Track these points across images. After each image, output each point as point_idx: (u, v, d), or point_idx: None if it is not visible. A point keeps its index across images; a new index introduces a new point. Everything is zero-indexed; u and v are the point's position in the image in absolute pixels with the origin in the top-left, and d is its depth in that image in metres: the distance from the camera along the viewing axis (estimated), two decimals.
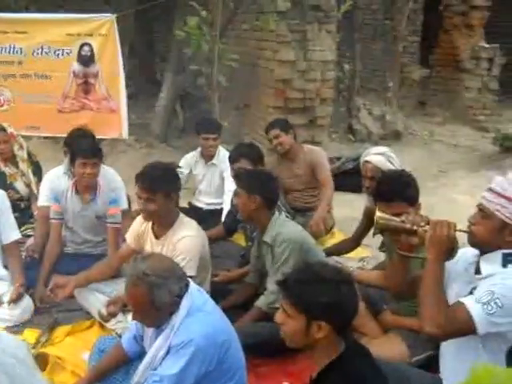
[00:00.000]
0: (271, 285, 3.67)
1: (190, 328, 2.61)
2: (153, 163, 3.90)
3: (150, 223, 3.82)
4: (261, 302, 3.73)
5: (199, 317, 2.66)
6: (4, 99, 7.88)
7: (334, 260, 4.59)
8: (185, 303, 2.65)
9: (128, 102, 7.76)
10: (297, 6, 8.11)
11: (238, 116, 9.39)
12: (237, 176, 4.14)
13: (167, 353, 2.64)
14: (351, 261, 5.04)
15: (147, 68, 11.20)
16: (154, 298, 2.59)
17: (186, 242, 3.62)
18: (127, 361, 2.99)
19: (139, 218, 3.93)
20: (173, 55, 9.12)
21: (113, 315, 3.75)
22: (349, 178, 6.98)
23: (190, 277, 3.23)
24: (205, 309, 2.71)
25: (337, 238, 5.48)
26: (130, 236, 3.96)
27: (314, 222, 4.77)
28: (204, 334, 2.59)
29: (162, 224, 3.75)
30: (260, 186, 3.79)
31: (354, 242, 4.69)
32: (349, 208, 6.20)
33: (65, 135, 5.24)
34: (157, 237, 3.78)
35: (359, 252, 5.10)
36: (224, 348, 2.66)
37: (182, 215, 3.81)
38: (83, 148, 4.37)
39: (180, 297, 2.64)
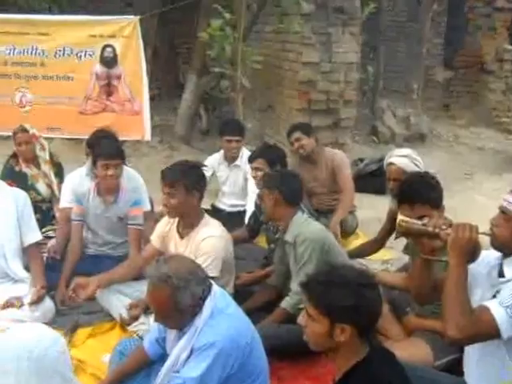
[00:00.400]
0: (295, 285, 3.63)
1: (213, 330, 2.59)
2: (179, 161, 3.93)
3: (176, 223, 3.82)
4: (286, 303, 3.71)
5: (222, 319, 2.63)
6: (26, 100, 7.92)
7: (357, 262, 4.55)
8: (208, 305, 2.63)
9: (151, 103, 7.77)
10: (321, 9, 8.09)
11: (261, 118, 9.38)
12: (263, 176, 4.19)
13: (189, 355, 2.61)
14: (375, 263, 5.02)
15: (170, 70, 11.20)
16: (177, 301, 2.57)
17: (209, 242, 3.62)
18: (149, 363, 2.96)
19: (165, 219, 3.94)
20: (196, 57, 9.12)
21: (134, 318, 3.73)
22: (372, 180, 6.99)
23: (213, 278, 3.23)
24: (228, 311, 2.69)
25: (360, 239, 5.47)
26: (154, 236, 3.97)
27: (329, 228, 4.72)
28: (227, 337, 2.57)
29: (186, 223, 3.75)
30: (279, 182, 3.81)
31: (378, 244, 4.67)
32: (372, 210, 6.19)
33: (86, 137, 5.24)
34: (181, 236, 3.78)
35: (383, 254, 5.07)
36: (247, 350, 2.63)
37: (207, 216, 3.81)
38: (105, 149, 4.35)
39: (203, 299, 2.62)
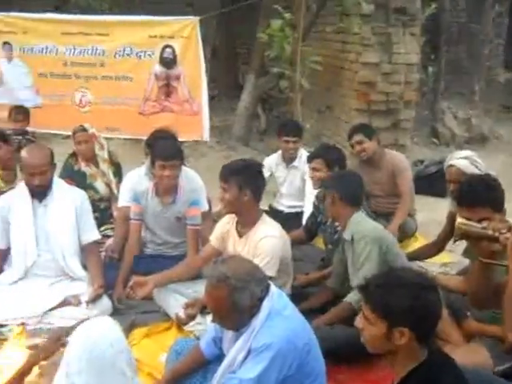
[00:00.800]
0: (355, 282, 3.62)
1: (271, 331, 2.56)
2: (237, 159, 3.92)
3: (235, 223, 3.82)
4: (351, 298, 3.66)
5: (279, 320, 2.60)
6: (85, 100, 8.04)
7: (416, 264, 4.50)
8: (265, 306, 2.60)
9: (210, 104, 7.78)
10: (381, 9, 8.02)
11: (319, 119, 9.33)
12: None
13: (246, 356, 2.60)
14: (434, 266, 4.95)
15: (229, 70, 11.25)
16: (235, 301, 2.56)
17: (267, 242, 3.61)
18: (205, 363, 2.96)
19: (224, 219, 3.96)
20: (255, 58, 9.13)
21: (191, 318, 3.71)
22: (432, 182, 6.87)
23: (270, 278, 3.22)
24: (285, 312, 2.65)
25: (419, 242, 5.39)
26: (214, 236, 3.98)
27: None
28: (284, 338, 2.54)
29: (244, 222, 3.76)
30: (337, 182, 3.84)
31: (437, 246, 4.60)
32: (432, 212, 6.08)
33: (145, 137, 5.27)
34: (240, 235, 3.79)
35: (442, 257, 5.01)
36: (304, 352, 2.60)
37: (265, 216, 3.81)
38: (162, 150, 4.36)
39: (261, 300, 2.60)
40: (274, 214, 5.39)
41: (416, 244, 5.32)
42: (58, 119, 7.91)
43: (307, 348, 2.62)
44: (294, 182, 5.76)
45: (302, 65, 7.50)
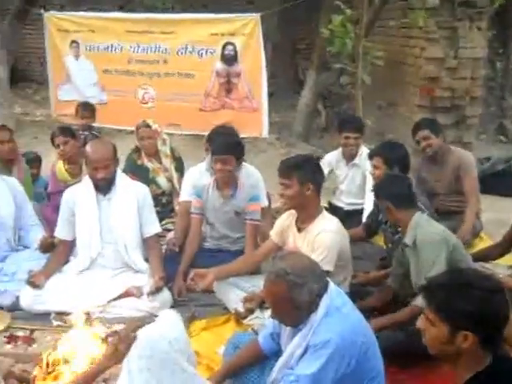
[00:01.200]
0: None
1: (329, 328, 2.55)
2: (297, 155, 3.93)
3: (295, 218, 3.82)
4: (420, 301, 3.50)
5: (338, 317, 2.59)
6: (149, 97, 8.21)
7: (480, 266, 4.33)
8: (324, 303, 2.59)
9: (270, 100, 7.80)
10: (446, 3, 7.82)
11: (381, 115, 9.20)
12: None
13: (304, 352, 2.59)
14: (500, 267, 4.74)
15: (290, 66, 11.25)
16: (293, 297, 2.56)
17: (325, 236, 3.61)
18: (262, 358, 2.97)
19: (285, 214, 3.97)
20: (316, 53, 9.09)
21: (250, 312, 3.74)
22: (499, 180, 6.64)
23: (327, 272, 3.28)
24: (343, 310, 2.64)
25: (484, 242, 5.24)
26: (274, 231, 4.00)
27: (459, 235, 4.49)
28: (343, 335, 2.53)
29: (304, 217, 3.76)
30: (387, 191, 3.74)
31: (503, 247, 4.43)
32: (498, 212, 5.92)
33: (205, 133, 5.33)
34: (299, 230, 3.79)
35: (509, 259, 4.78)
36: (362, 350, 2.58)
37: (324, 211, 3.81)
38: (217, 145, 4.44)
39: (319, 296, 2.59)
40: (334, 210, 5.37)
41: (481, 244, 5.17)
42: (121, 115, 8.11)
43: (365, 346, 2.59)
44: (354, 180, 5.71)
45: (364, 60, 7.42)
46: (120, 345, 2.44)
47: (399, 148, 4.77)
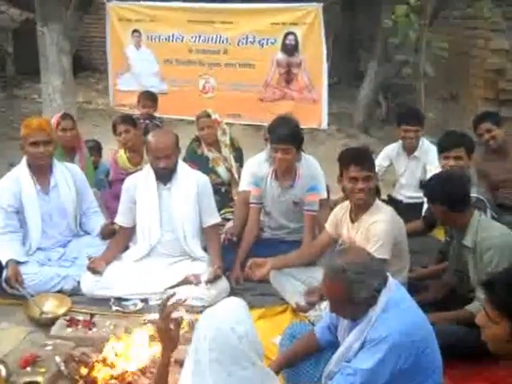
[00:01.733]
0: (480, 293, 3.34)
1: (387, 323, 2.52)
2: (354, 147, 3.88)
3: (348, 209, 3.82)
4: (473, 308, 3.43)
5: (397, 312, 2.56)
6: (209, 87, 8.24)
7: None
8: (382, 298, 2.57)
9: (330, 91, 7.73)
10: None
11: (443, 107, 9.02)
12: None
13: (362, 346, 2.58)
14: None
15: (351, 57, 11.13)
16: (352, 294, 2.54)
17: (379, 225, 3.59)
18: (318, 349, 2.96)
19: (339, 206, 3.96)
20: (378, 44, 8.97)
21: (311, 305, 3.71)
22: None
23: (384, 261, 3.30)
24: (402, 305, 2.60)
25: None
26: (329, 223, 3.99)
27: None
28: (401, 331, 2.50)
29: (359, 208, 3.73)
30: (440, 194, 3.54)
31: None
32: None
33: (264, 123, 5.31)
34: (352, 221, 3.77)
35: None
36: (421, 346, 2.54)
37: (378, 201, 3.78)
38: (277, 134, 4.41)
39: (378, 291, 2.56)
40: (393, 203, 5.29)
41: None
42: (181, 105, 8.17)
43: (424, 342, 2.56)
44: (414, 173, 5.61)
45: (427, 51, 7.28)
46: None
47: (469, 137, 4.61)
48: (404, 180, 5.70)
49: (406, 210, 5.02)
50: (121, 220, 4.42)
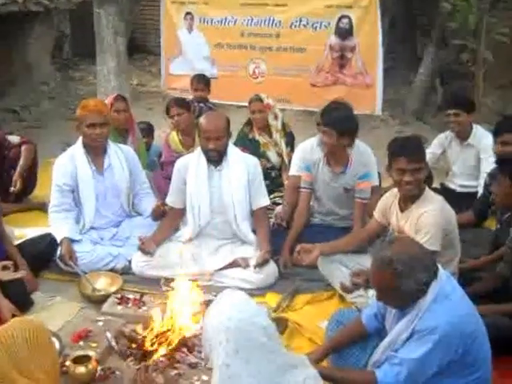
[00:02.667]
0: None
1: (436, 315, 2.50)
2: (403, 137, 3.79)
3: (398, 197, 3.74)
4: None
5: (446, 304, 2.53)
6: (259, 71, 8.15)
7: None
8: (432, 289, 2.54)
9: (384, 76, 7.58)
10: None
11: (502, 94, 8.78)
12: (499, 160, 3.92)
13: (409, 337, 2.56)
14: None
15: (407, 42, 10.90)
16: (399, 286, 2.52)
17: (429, 215, 3.50)
18: (364, 336, 2.95)
19: (388, 194, 3.90)
20: (436, 29, 8.76)
21: (356, 287, 3.67)
22: None
23: (434, 253, 3.23)
24: (453, 296, 2.57)
25: None
26: (377, 210, 3.94)
27: None
28: (450, 322, 2.47)
29: (408, 198, 3.65)
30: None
31: None
32: None
33: (316, 109, 5.25)
34: (402, 210, 3.70)
35: None
36: (471, 338, 2.52)
37: (427, 190, 3.68)
38: (327, 117, 4.36)
39: (427, 284, 2.53)
40: (446, 192, 5.20)
41: None
42: (230, 90, 8.09)
43: (474, 335, 2.53)
44: (467, 161, 5.46)
45: (487, 37, 7.08)
46: None
47: None
48: (456, 168, 5.57)
49: (458, 200, 4.92)
50: (171, 201, 4.48)
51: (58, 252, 4.26)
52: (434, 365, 2.49)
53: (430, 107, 9.28)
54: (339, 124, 4.27)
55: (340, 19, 7.53)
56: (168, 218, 4.52)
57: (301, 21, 7.73)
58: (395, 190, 3.80)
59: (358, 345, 2.95)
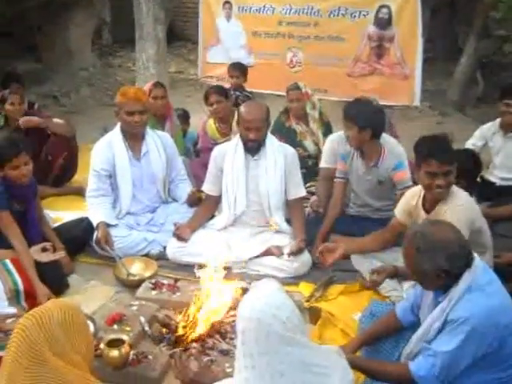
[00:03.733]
0: None
1: (469, 305, 2.46)
2: (431, 137, 3.68)
3: (421, 198, 3.65)
4: None
5: (480, 295, 2.48)
6: (296, 60, 8.10)
7: None
8: (465, 278, 2.49)
9: (424, 66, 7.48)
10: None
11: None
12: None
13: (442, 326, 2.53)
14: None
15: (448, 32, 10.72)
16: (416, 261, 2.52)
17: (453, 212, 3.39)
18: (399, 329, 2.92)
19: (410, 193, 3.80)
20: (478, 19, 8.58)
21: (374, 284, 3.64)
22: None
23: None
24: (488, 288, 2.52)
25: None
26: (400, 210, 3.84)
27: None
28: (484, 314, 2.43)
29: (435, 200, 3.55)
30: None
31: None
32: None
33: (351, 100, 5.19)
34: (427, 211, 3.60)
35: None
36: (507, 331, 2.47)
37: (453, 187, 3.54)
38: (346, 112, 4.35)
39: (447, 272, 2.48)
40: (486, 186, 5.14)
41: None
42: (266, 79, 8.07)
43: (510, 328, 2.48)
44: (509, 153, 5.35)
45: None
46: None
47: None
48: (498, 160, 5.44)
49: (498, 192, 4.85)
50: (208, 188, 4.49)
51: (94, 236, 4.31)
52: (467, 356, 2.45)
53: (471, 99, 9.12)
54: (359, 118, 4.23)
55: (379, 9, 7.47)
56: (204, 206, 4.54)
57: (339, 10, 7.68)
58: (416, 188, 3.73)
59: (391, 338, 2.92)
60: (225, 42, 8.67)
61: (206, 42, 8.92)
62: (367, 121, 4.24)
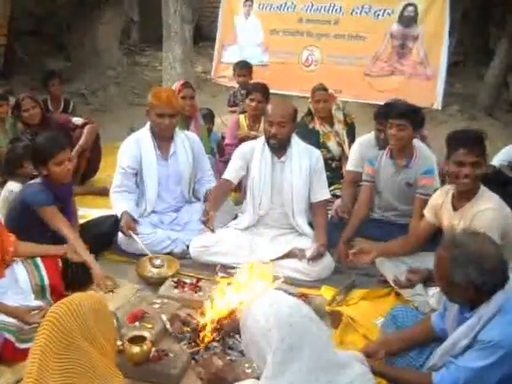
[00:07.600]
0: None
1: (503, 328, 2.38)
2: (464, 129, 3.65)
3: (450, 195, 3.59)
4: None
5: None
6: (312, 59, 7.94)
7: None
8: (498, 298, 2.42)
9: (454, 69, 7.34)
10: None
11: None
12: None
13: (470, 344, 2.45)
14: None
15: (480, 34, 10.57)
16: (448, 272, 2.44)
17: (484, 215, 3.32)
18: (430, 337, 2.83)
19: (438, 192, 3.76)
20: (510, 20, 8.44)
21: (410, 284, 3.59)
22: None
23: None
24: None
25: None
26: (428, 209, 3.79)
27: None
28: None
29: (462, 195, 3.49)
30: None
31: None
32: None
33: (367, 101, 5.13)
34: (455, 209, 3.54)
35: None
36: None
37: (483, 188, 3.48)
38: (392, 108, 4.32)
39: (478, 288, 2.40)
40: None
41: None
42: (280, 78, 7.89)
43: None
44: None
45: None
46: None
47: None
48: None
49: None
50: (228, 174, 4.44)
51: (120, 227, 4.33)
52: (494, 377, 2.39)
53: (502, 103, 9.00)
54: (414, 117, 4.20)
55: (405, 7, 7.31)
56: (219, 188, 4.48)
57: (363, 7, 7.51)
58: (446, 187, 3.67)
59: (415, 348, 2.85)
60: (242, 40, 8.53)
61: (224, 40, 8.76)
62: (420, 120, 4.28)
